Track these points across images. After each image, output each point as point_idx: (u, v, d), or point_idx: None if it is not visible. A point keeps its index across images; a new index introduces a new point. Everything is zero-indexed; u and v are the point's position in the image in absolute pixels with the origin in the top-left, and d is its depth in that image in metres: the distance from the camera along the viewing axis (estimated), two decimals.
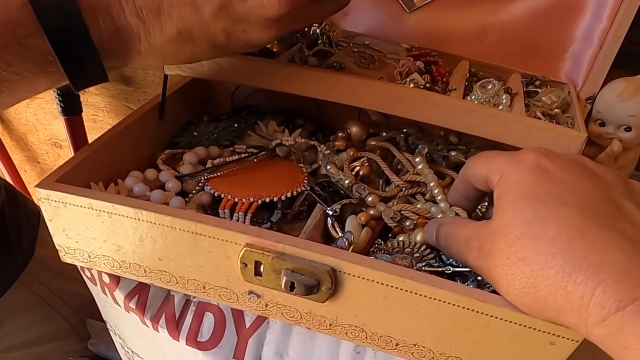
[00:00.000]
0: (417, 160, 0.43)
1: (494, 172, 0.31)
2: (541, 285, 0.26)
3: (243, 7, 0.31)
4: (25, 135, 1.10)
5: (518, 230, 0.27)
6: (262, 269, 0.33)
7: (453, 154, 0.45)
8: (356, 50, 0.50)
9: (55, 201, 0.36)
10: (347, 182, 0.42)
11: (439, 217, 0.39)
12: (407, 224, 0.40)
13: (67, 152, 1.06)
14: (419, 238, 0.38)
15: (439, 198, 0.40)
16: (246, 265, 0.33)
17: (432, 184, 0.41)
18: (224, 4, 0.31)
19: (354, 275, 0.32)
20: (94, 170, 0.41)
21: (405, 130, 0.48)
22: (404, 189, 0.42)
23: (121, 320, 0.47)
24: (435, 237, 0.35)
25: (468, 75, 0.51)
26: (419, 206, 0.40)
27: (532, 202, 0.27)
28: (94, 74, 0.32)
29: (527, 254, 0.26)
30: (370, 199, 0.40)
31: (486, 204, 0.39)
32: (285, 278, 0.32)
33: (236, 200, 0.41)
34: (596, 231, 0.25)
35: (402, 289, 0.31)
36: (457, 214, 0.38)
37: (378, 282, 0.31)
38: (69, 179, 0.38)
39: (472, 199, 0.37)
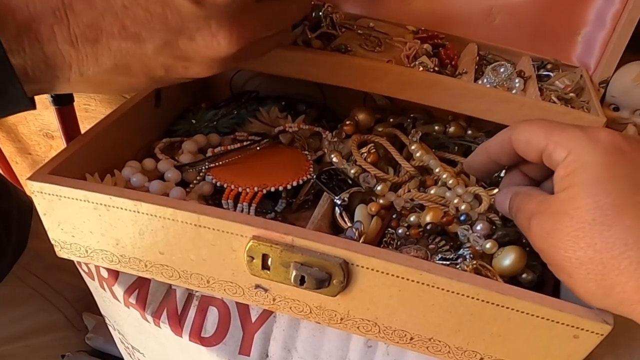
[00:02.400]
0: (413, 147, 0.39)
1: (559, 146, 0.28)
2: (610, 274, 0.25)
3: (189, 45, 0.29)
4: (16, 126, 1.07)
5: (589, 215, 0.26)
6: (269, 262, 0.32)
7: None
8: (361, 32, 0.48)
9: (49, 194, 0.34)
10: (352, 171, 0.40)
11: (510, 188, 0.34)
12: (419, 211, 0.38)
13: (59, 143, 1.03)
14: (428, 218, 0.36)
15: (450, 182, 0.37)
16: (252, 258, 0.32)
17: (437, 170, 0.38)
18: (169, 40, 0.29)
19: (368, 268, 0.30)
20: (89, 161, 0.39)
21: (412, 115, 0.46)
22: (414, 176, 0.40)
23: (120, 315, 0.45)
24: (508, 207, 0.32)
25: (477, 58, 0.49)
26: (432, 191, 0.38)
27: (608, 187, 0.26)
28: (15, 101, 0.29)
29: (598, 240, 0.25)
30: (379, 188, 0.39)
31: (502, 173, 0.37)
32: (294, 271, 0.31)
33: (240, 189, 0.39)
34: None
35: (418, 282, 0.30)
36: (476, 194, 0.35)
37: (393, 275, 0.30)
38: (62, 170, 0.35)
39: (500, 166, 0.34)
